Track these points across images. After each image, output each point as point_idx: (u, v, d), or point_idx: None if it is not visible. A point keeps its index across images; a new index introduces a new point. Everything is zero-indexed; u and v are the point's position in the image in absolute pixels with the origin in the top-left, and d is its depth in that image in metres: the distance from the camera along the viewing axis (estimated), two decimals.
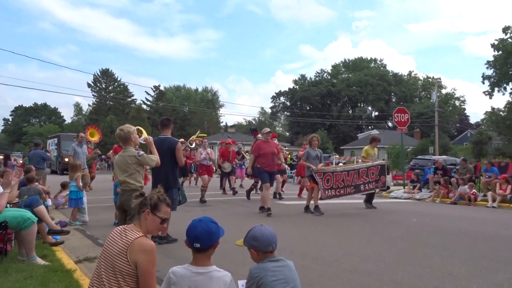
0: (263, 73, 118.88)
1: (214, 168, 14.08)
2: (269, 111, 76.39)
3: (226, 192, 13.21)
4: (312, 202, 9.09)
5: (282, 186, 13.06)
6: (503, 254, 5.28)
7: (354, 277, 4.17)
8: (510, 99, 48.30)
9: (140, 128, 10.85)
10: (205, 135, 15.23)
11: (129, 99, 63.04)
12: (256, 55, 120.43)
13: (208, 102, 71.66)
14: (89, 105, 67.18)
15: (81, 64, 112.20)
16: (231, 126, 62.59)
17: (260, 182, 11.35)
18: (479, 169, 13.92)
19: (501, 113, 50.40)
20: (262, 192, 8.93)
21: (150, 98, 62.63)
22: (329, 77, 74.66)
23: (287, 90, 73.39)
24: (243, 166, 15.95)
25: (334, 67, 77.21)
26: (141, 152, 4.75)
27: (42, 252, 4.71)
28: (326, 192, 8.83)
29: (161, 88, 65.22)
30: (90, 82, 63.05)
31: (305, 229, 7.09)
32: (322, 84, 69.39)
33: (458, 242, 6.03)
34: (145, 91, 64.58)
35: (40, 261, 4.35)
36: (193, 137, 12.22)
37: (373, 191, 9.84)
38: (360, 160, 10.52)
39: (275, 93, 75.07)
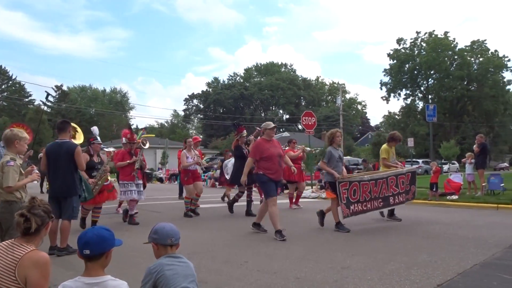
0: (174, 75, 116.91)
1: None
2: (182, 113, 75.39)
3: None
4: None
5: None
6: (396, 246, 5.80)
7: (261, 277, 4.28)
8: (404, 104, 53.57)
9: (74, 125, 9.44)
10: (153, 135, 12.77)
11: (26, 100, 57.80)
12: (166, 56, 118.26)
13: (117, 103, 68.51)
14: None
15: None
16: (142, 129, 60.44)
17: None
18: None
19: (396, 116, 55.68)
20: (269, 210, 6.53)
21: (51, 99, 58.09)
22: (241, 81, 75.87)
23: (200, 92, 73.09)
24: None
25: (247, 70, 78.73)
26: (11, 163, 4.06)
27: None
28: (352, 207, 7.05)
29: (64, 88, 60.87)
30: None
31: (217, 233, 7.11)
32: (235, 87, 70.32)
33: (357, 237, 6.49)
34: (46, 91, 59.76)
35: None
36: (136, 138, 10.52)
37: (403, 203, 8.01)
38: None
39: (188, 95, 74.42)
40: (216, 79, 77.16)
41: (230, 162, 10.93)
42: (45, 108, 55.40)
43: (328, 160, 7.07)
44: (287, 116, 73.22)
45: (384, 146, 8.46)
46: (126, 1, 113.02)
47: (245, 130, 9.47)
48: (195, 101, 74.36)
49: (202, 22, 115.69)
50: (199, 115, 73.78)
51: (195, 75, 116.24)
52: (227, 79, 77.14)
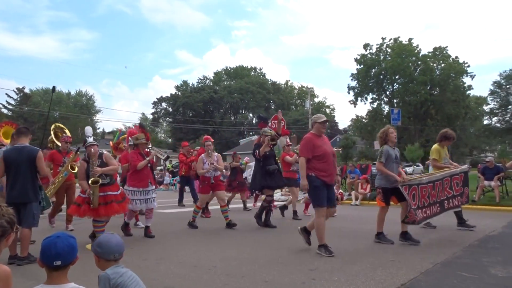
0: (140, 77, 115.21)
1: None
2: (150, 117, 74.32)
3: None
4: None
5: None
6: (361, 247, 5.92)
7: (229, 281, 4.26)
8: (370, 108, 54.81)
9: (59, 125, 8.60)
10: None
11: None
12: (132, 58, 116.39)
13: (82, 107, 66.75)
14: None
15: None
16: (109, 133, 59.17)
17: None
18: (345, 171, 15.45)
19: (363, 120, 56.87)
20: (316, 220, 5.55)
21: (12, 102, 55.91)
22: (211, 84, 75.63)
23: (169, 96, 72.31)
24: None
25: (216, 74, 78.56)
26: None
27: None
28: (418, 213, 6.06)
29: (26, 90, 58.66)
30: None
31: (185, 238, 7.03)
32: (205, 91, 69.98)
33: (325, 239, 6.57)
34: (6, 94, 57.25)
35: None
36: (113, 142, 8.99)
37: (459, 208, 7.04)
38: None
39: (157, 98, 73.43)
40: (185, 82, 76.67)
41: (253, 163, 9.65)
42: (6, 111, 53.35)
43: (385, 159, 6.05)
44: (257, 120, 73.49)
45: (435, 146, 7.44)
46: (90, 2, 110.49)
47: (267, 128, 8.20)
48: (164, 104, 73.48)
49: (168, 25, 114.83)
50: (168, 118, 72.90)
51: (162, 78, 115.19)
52: (197, 82, 76.83)
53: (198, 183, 10.71)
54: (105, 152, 6.65)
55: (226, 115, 73.33)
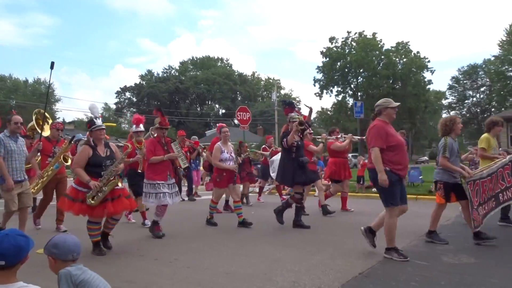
0: (101, 66, 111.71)
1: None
2: (113, 107, 72.44)
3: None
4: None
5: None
6: (323, 237, 6.03)
7: (191, 274, 4.25)
8: (335, 100, 55.74)
9: (44, 113, 7.71)
10: (114, 125, 10.11)
11: None
12: (93, 46, 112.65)
13: (41, 95, 64.11)
14: None
15: None
16: (70, 123, 57.22)
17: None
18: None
19: (329, 112, 57.80)
20: (387, 220, 4.78)
21: None
22: (177, 74, 74.48)
23: (133, 85, 70.66)
24: (198, 167, 12.46)
25: (182, 64, 77.39)
26: None
27: None
28: (479, 211, 5.53)
29: None
30: None
31: (146, 231, 6.89)
32: (170, 81, 68.86)
33: (288, 231, 6.64)
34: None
35: None
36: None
37: (511, 200, 6.24)
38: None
39: (120, 88, 71.57)
40: (149, 71, 74.94)
41: (279, 156, 8.54)
42: None
43: (450, 154, 5.49)
44: (223, 111, 73.12)
45: (485, 135, 6.69)
46: None
47: (294, 113, 7.12)
48: (128, 94, 71.80)
49: (130, 12, 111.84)
50: (132, 108, 71.27)
51: (125, 66, 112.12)
52: (162, 72, 75.37)
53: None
54: (110, 141, 5.60)
55: (192, 106, 72.53)
